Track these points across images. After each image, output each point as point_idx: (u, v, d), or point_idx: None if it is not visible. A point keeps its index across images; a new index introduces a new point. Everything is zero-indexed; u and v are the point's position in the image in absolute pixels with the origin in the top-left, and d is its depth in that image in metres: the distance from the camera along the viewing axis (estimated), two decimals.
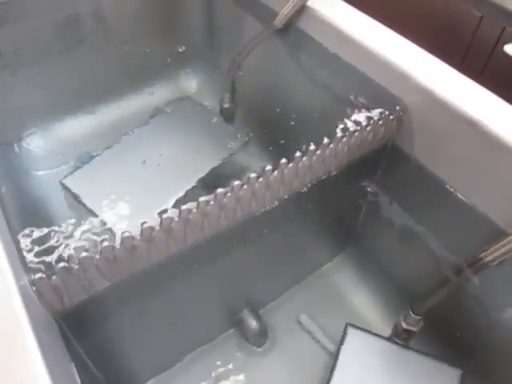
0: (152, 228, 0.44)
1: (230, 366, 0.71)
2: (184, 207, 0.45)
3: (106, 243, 0.42)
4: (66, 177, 0.70)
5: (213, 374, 0.70)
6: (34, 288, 0.41)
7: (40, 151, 0.80)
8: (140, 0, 0.88)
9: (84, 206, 0.70)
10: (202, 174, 0.74)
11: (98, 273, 0.44)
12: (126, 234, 0.43)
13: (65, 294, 0.43)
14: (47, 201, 0.75)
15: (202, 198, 0.46)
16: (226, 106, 0.85)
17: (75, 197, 0.70)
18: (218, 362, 0.71)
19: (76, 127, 0.85)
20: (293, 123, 0.80)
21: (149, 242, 0.45)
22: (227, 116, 0.85)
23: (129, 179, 0.72)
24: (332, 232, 0.78)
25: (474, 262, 0.53)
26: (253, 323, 0.72)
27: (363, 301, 0.79)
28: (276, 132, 0.81)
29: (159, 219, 0.44)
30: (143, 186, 0.71)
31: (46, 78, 0.81)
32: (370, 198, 0.72)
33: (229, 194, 0.48)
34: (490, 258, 0.51)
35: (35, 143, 0.81)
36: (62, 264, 0.41)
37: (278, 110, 0.82)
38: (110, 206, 0.68)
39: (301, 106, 0.77)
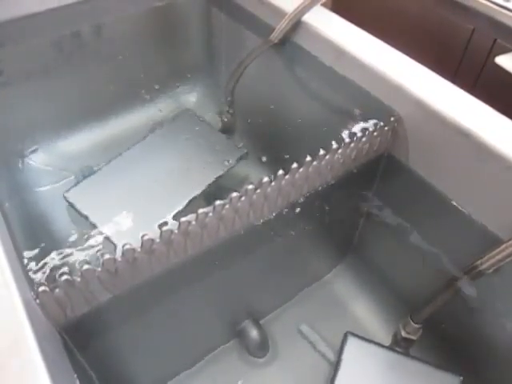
0: (152, 240, 0.45)
1: (232, 378, 0.72)
2: (183, 219, 0.46)
3: (107, 256, 0.43)
4: (68, 190, 0.71)
5: None
6: (38, 301, 0.42)
7: (43, 167, 0.81)
8: (140, 17, 0.89)
9: (87, 219, 0.71)
10: (202, 187, 0.75)
11: (100, 285, 0.45)
12: (127, 247, 0.44)
13: (68, 307, 0.44)
14: (50, 215, 0.76)
15: (200, 210, 0.47)
16: (225, 119, 0.87)
17: (78, 211, 0.71)
18: (220, 374, 0.72)
19: (78, 142, 0.86)
20: (291, 135, 0.81)
21: (149, 253, 0.46)
22: (226, 129, 0.87)
23: (130, 192, 0.73)
24: (331, 242, 0.79)
25: (470, 269, 0.54)
26: (254, 334, 0.73)
27: (363, 310, 0.80)
28: (275, 144, 0.82)
29: (159, 231, 0.45)
30: (144, 199, 0.72)
31: (48, 95, 0.83)
32: (368, 209, 0.73)
33: (227, 206, 0.49)
34: (485, 265, 0.52)
35: (38, 159, 0.83)
36: (64, 277, 0.42)
37: (277, 122, 0.83)
38: (112, 219, 0.69)
39: (298, 119, 0.78)
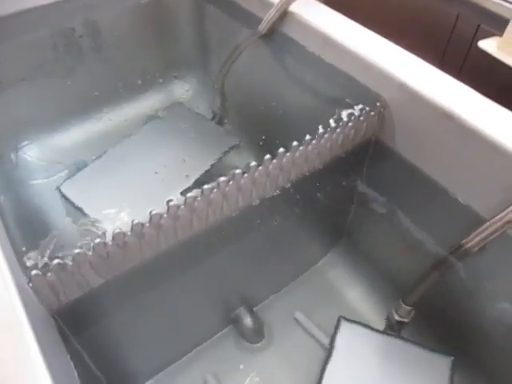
0: (142, 224, 0.46)
1: (228, 364, 0.73)
2: (172, 203, 0.47)
3: (97, 240, 0.44)
4: (62, 183, 0.72)
5: (211, 371, 0.71)
6: (31, 285, 0.43)
7: (37, 161, 0.82)
8: (130, 12, 0.90)
9: (81, 211, 0.72)
10: (195, 176, 0.76)
11: (92, 269, 0.46)
12: (117, 231, 0.45)
13: (61, 291, 0.45)
14: (45, 208, 0.77)
15: (189, 194, 0.48)
16: (217, 110, 0.88)
17: (72, 203, 0.72)
18: (217, 360, 0.73)
19: (71, 136, 0.87)
20: (282, 124, 0.82)
21: (139, 237, 0.47)
22: (218, 119, 0.88)
23: (124, 183, 0.74)
24: (323, 228, 0.80)
25: (456, 249, 0.55)
26: (248, 320, 0.74)
27: (357, 295, 0.81)
28: (266, 133, 0.83)
29: (149, 215, 0.46)
30: (138, 190, 0.73)
31: (41, 89, 0.84)
32: (357, 193, 0.74)
33: (215, 190, 0.50)
34: (470, 244, 0.53)
35: (32, 153, 0.83)
36: (56, 261, 0.43)
37: (268, 112, 0.84)
38: (106, 210, 0.70)
39: (288, 107, 0.79)
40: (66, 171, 0.80)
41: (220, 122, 0.89)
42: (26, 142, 0.83)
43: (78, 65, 0.86)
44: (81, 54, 0.86)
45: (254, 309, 0.77)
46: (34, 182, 0.78)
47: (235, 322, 0.75)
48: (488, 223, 0.50)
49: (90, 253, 0.44)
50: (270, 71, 0.80)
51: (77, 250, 0.43)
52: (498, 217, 0.50)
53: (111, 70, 0.89)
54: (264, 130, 0.85)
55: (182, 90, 0.97)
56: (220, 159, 0.80)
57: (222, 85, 0.85)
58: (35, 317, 0.42)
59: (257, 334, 0.75)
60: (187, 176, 0.76)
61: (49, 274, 0.43)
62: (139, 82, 0.94)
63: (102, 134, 0.87)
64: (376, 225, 0.75)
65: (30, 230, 0.70)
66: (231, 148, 0.82)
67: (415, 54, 0.64)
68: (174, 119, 0.86)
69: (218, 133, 0.85)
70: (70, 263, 0.43)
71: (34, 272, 0.42)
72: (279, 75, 0.79)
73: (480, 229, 0.51)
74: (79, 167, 0.78)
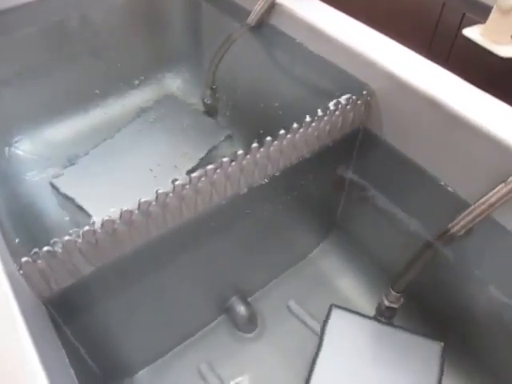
0: (131, 212, 0.47)
1: (222, 353, 0.73)
2: (160, 191, 0.48)
3: (86, 227, 0.45)
4: (55, 177, 0.73)
5: (206, 360, 0.72)
6: (21, 272, 0.43)
7: (30, 155, 0.83)
8: (122, 6, 0.91)
9: (74, 204, 0.73)
10: (187, 168, 0.77)
11: (82, 257, 0.47)
12: (106, 218, 0.45)
13: (51, 278, 0.46)
14: (38, 202, 0.78)
15: (177, 182, 0.49)
16: (208, 102, 0.89)
17: (65, 196, 0.73)
18: (210, 349, 0.74)
19: (64, 130, 0.87)
20: (273, 115, 0.83)
21: (129, 225, 0.48)
22: (210, 112, 0.89)
23: (115, 176, 0.75)
24: (315, 218, 0.81)
25: (442, 234, 0.56)
26: (241, 310, 0.74)
27: (349, 284, 0.82)
28: (257, 123, 0.84)
29: (137, 203, 0.47)
30: (130, 182, 0.74)
31: (34, 85, 0.84)
32: (348, 183, 0.75)
33: (203, 178, 0.50)
34: (455, 228, 0.54)
35: (24, 148, 0.84)
36: (46, 248, 0.43)
37: (259, 103, 0.85)
38: (100, 202, 0.71)
39: (278, 98, 0.80)
40: (59, 165, 0.81)
41: (212, 115, 0.90)
42: (18, 137, 0.84)
43: (70, 59, 0.87)
44: (72, 49, 0.86)
45: (249, 299, 0.78)
46: (27, 176, 0.79)
47: (228, 311, 0.76)
48: (472, 207, 0.51)
49: (80, 240, 0.45)
50: (260, 63, 0.81)
51: (66, 237, 0.44)
52: (481, 200, 0.50)
53: (103, 65, 0.90)
54: (256, 122, 0.86)
55: (174, 83, 0.97)
56: (212, 151, 0.81)
57: (213, 77, 0.86)
58: (26, 304, 0.43)
59: (250, 323, 0.76)
60: (180, 166, 0.77)
61: (39, 262, 0.44)
62: (131, 75, 0.94)
63: (94, 128, 0.88)
64: (366, 213, 0.76)
65: (22, 222, 0.71)
66: (223, 140, 0.83)
67: (403, 43, 0.65)
68: (165, 112, 0.87)
69: (210, 125, 0.85)
70: (60, 250, 0.44)
71: (24, 259, 0.43)
72: (269, 67, 0.80)
73: (465, 213, 0.52)
74: (72, 161, 0.79)
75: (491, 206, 0.50)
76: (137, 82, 0.95)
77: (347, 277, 0.83)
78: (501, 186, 0.49)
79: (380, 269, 0.79)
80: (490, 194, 0.49)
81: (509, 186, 0.48)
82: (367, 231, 0.79)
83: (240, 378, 0.71)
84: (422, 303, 0.73)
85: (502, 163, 0.50)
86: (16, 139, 0.84)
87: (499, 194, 0.49)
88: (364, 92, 0.62)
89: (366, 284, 0.81)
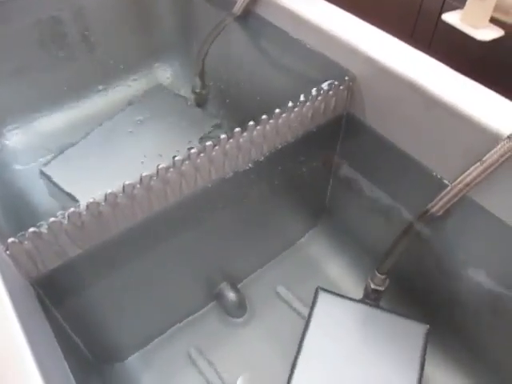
0: (115, 194, 0.48)
1: (212, 337, 0.75)
2: (144, 174, 0.49)
3: (72, 209, 0.46)
4: (45, 165, 0.74)
5: (195, 345, 0.73)
6: (8, 252, 0.44)
7: (21, 146, 0.84)
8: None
9: (65, 192, 0.74)
10: (176, 157, 0.78)
11: (68, 239, 0.48)
12: (91, 200, 0.47)
13: (38, 259, 0.47)
14: (29, 192, 0.79)
15: (161, 166, 0.50)
16: (197, 91, 0.90)
17: (55, 184, 0.74)
18: (200, 334, 0.75)
19: (55, 121, 0.88)
20: (262, 103, 0.84)
21: (114, 207, 0.49)
22: (199, 101, 0.90)
23: (106, 164, 0.76)
24: (302, 204, 0.82)
25: (422, 214, 0.57)
26: (231, 295, 0.76)
27: (337, 269, 0.83)
28: (245, 112, 0.85)
29: (122, 186, 0.48)
30: (120, 170, 0.75)
31: (25, 76, 0.85)
32: (334, 169, 0.76)
33: (186, 162, 0.52)
34: (435, 208, 0.55)
35: (16, 138, 0.85)
36: (32, 229, 0.44)
37: (247, 91, 0.86)
38: (90, 190, 0.72)
39: (265, 86, 0.81)
40: (51, 155, 0.82)
41: (201, 104, 0.91)
42: (9, 128, 0.85)
43: (61, 51, 0.88)
44: (64, 40, 0.87)
45: (238, 285, 0.79)
46: (18, 166, 0.80)
47: (218, 297, 0.77)
48: (449, 187, 0.53)
49: (66, 222, 0.46)
50: (247, 52, 0.82)
51: (52, 219, 0.45)
52: (457, 180, 0.52)
53: (93, 55, 0.91)
54: (244, 110, 0.87)
55: (164, 73, 0.98)
56: (201, 140, 0.82)
57: (202, 67, 0.87)
58: (13, 284, 0.44)
59: (239, 309, 0.77)
60: (167, 156, 0.78)
61: (25, 243, 0.45)
62: (121, 66, 0.95)
63: (85, 118, 0.88)
64: (353, 199, 0.77)
65: (13, 212, 0.72)
66: (212, 128, 0.84)
67: (386, 30, 0.66)
68: (155, 102, 0.88)
69: (199, 114, 0.87)
70: (46, 231, 0.45)
71: (10, 240, 0.44)
72: (255, 56, 0.81)
73: (443, 193, 0.54)
74: (63, 151, 0.79)
75: (467, 185, 0.51)
76: (127, 72, 0.96)
77: (336, 262, 0.84)
78: (476, 165, 0.50)
79: (367, 253, 0.80)
80: (466, 173, 0.51)
81: (484, 165, 0.49)
82: (354, 216, 0.80)
83: (229, 362, 0.72)
84: (408, 286, 0.74)
85: (478, 143, 0.51)
86: (7, 130, 0.85)
87: (475, 174, 0.50)
88: (346, 78, 0.63)
89: (353, 269, 0.83)
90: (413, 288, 0.74)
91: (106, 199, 0.48)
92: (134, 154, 0.78)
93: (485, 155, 0.50)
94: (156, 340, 0.74)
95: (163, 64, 1.00)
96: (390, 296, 0.73)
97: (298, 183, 0.74)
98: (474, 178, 0.50)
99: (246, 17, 0.78)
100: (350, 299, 0.73)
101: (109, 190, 0.47)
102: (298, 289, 0.80)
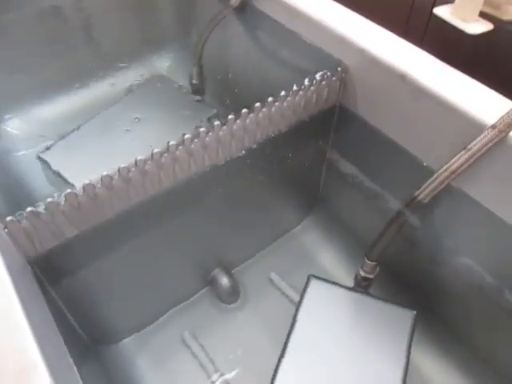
0: (111, 177, 0.50)
1: (205, 322, 0.77)
2: (139, 158, 0.50)
3: (68, 190, 0.47)
4: (43, 152, 0.75)
5: (189, 329, 0.75)
6: (7, 231, 0.46)
7: (20, 133, 0.85)
8: None
9: (63, 178, 0.75)
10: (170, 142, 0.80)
11: (65, 219, 0.49)
12: (87, 182, 0.48)
13: (35, 238, 0.49)
14: (28, 178, 0.80)
15: (155, 150, 0.51)
16: (195, 81, 0.92)
17: (54, 171, 0.75)
18: (194, 319, 0.77)
19: (54, 109, 0.90)
20: (258, 93, 0.86)
21: (109, 189, 0.50)
22: (196, 91, 0.91)
23: (105, 150, 0.77)
24: (296, 194, 0.84)
25: (409, 202, 0.59)
26: (224, 281, 0.77)
27: (330, 258, 0.85)
28: (242, 102, 0.86)
29: (117, 169, 0.50)
30: (119, 156, 0.76)
31: (24, 64, 0.86)
32: (327, 159, 0.78)
33: (180, 147, 0.53)
34: (421, 196, 0.57)
35: (15, 126, 0.86)
36: (29, 208, 0.46)
37: (243, 82, 0.87)
38: (86, 176, 0.73)
39: (261, 77, 0.83)
40: (50, 142, 0.83)
41: (198, 94, 0.92)
42: (8, 116, 0.86)
43: (60, 39, 0.89)
44: (63, 29, 0.89)
45: (232, 271, 0.81)
46: (18, 153, 0.81)
47: (212, 282, 0.79)
48: (436, 174, 0.54)
49: (62, 202, 0.48)
50: (244, 43, 0.83)
51: (49, 199, 0.47)
52: (443, 168, 0.53)
53: (93, 45, 0.92)
54: (240, 98, 0.88)
55: (163, 63, 1.00)
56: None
57: (200, 57, 0.88)
58: (12, 262, 0.45)
59: (232, 294, 0.79)
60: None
61: (23, 222, 0.46)
62: (121, 55, 0.97)
63: (85, 106, 0.90)
64: (345, 188, 0.78)
65: (12, 198, 0.73)
66: (209, 118, 0.85)
67: (379, 23, 0.67)
68: (153, 91, 0.89)
69: (197, 104, 0.88)
70: (43, 211, 0.47)
71: (9, 218, 0.45)
72: (252, 47, 0.82)
73: (429, 180, 0.55)
74: (62, 138, 0.81)
75: (453, 172, 0.53)
76: (126, 61, 0.97)
77: (329, 251, 0.86)
78: (462, 152, 0.51)
79: (359, 242, 0.82)
80: (452, 161, 0.52)
81: (469, 153, 0.51)
82: (347, 205, 0.82)
83: (222, 346, 0.74)
84: (397, 274, 0.76)
85: (465, 132, 0.53)
86: (6, 117, 0.86)
87: (460, 161, 0.52)
88: (339, 69, 0.64)
89: (345, 257, 0.84)
90: (402, 275, 0.76)
91: (101, 181, 0.49)
92: (131, 142, 0.80)
93: (470, 143, 0.51)
94: (151, 323, 0.75)
95: (162, 54, 1.01)
96: (380, 283, 0.75)
97: (291, 172, 0.75)
98: (460, 166, 0.52)
99: (243, 9, 0.79)
100: (341, 286, 0.75)
101: (104, 173, 0.49)
102: (291, 276, 0.82)
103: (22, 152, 0.82)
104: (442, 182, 0.54)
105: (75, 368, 0.44)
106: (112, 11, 0.93)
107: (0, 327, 0.38)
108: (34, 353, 0.35)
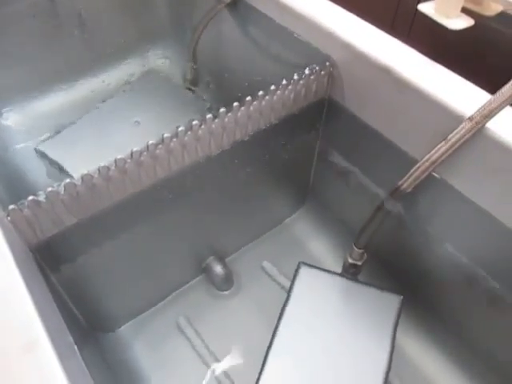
0: (108, 168, 0.52)
1: (200, 308, 0.79)
2: (135, 149, 0.53)
3: (67, 180, 0.50)
4: (40, 144, 0.78)
5: (184, 315, 0.78)
6: (9, 218, 0.49)
7: (18, 126, 0.87)
8: None
9: (62, 170, 0.78)
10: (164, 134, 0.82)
11: (65, 208, 0.52)
12: (85, 173, 0.51)
13: (37, 226, 0.51)
14: (27, 171, 0.83)
15: (150, 142, 0.54)
16: (189, 76, 0.94)
17: (52, 163, 0.78)
18: (189, 305, 0.80)
19: (51, 103, 0.92)
20: (247, 87, 0.88)
21: (107, 180, 0.53)
22: (191, 86, 0.93)
23: (101, 144, 0.80)
24: (288, 185, 0.86)
25: (393, 191, 0.61)
26: (218, 269, 0.80)
27: (321, 247, 0.88)
28: (236, 96, 0.89)
29: (114, 160, 0.52)
30: (115, 148, 0.79)
31: (21, 58, 0.88)
32: (317, 151, 0.81)
33: (174, 139, 0.56)
34: (404, 185, 0.59)
35: (13, 119, 0.89)
36: (31, 197, 0.49)
37: (236, 77, 0.90)
38: (84, 168, 0.76)
39: (254, 72, 0.85)
40: (47, 135, 0.85)
41: (193, 89, 0.94)
42: (6, 109, 0.88)
43: (56, 34, 0.91)
44: (59, 24, 0.90)
45: (226, 260, 0.84)
46: (15, 146, 0.83)
47: (206, 271, 0.82)
48: (418, 165, 0.57)
49: (62, 192, 0.50)
50: (236, 39, 0.86)
51: (49, 189, 0.49)
52: (424, 158, 0.56)
53: (89, 39, 0.94)
54: (233, 92, 0.91)
55: (158, 58, 1.02)
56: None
57: (194, 53, 0.90)
58: (16, 249, 0.48)
59: (226, 282, 0.81)
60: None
61: (25, 210, 0.49)
62: (116, 50, 0.99)
63: (81, 100, 0.92)
64: (334, 179, 0.81)
65: (11, 190, 0.75)
66: (204, 111, 0.87)
67: (368, 19, 0.70)
68: (148, 86, 0.91)
69: (191, 99, 0.90)
70: (44, 200, 0.49)
71: (11, 207, 0.48)
72: (244, 42, 0.84)
73: (411, 170, 0.58)
74: (59, 131, 0.83)
75: (433, 162, 0.55)
76: (121, 56, 0.99)
77: (319, 240, 0.89)
78: (441, 143, 0.54)
79: (349, 231, 0.84)
80: (432, 151, 0.55)
81: (448, 144, 0.53)
82: (336, 196, 0.85)
83: (216, 331, 0.77)
84: (384, 261, 0.79)
85: (445, 124, 0.55)
86: (4, 110, 0.88)
87: (440, 152, 0.54)
88: (327, 63, 0.67)
89: (336, 246, 0.87)
90: (389, 262, 0.79)
91: (99, 172, 0.52)
92: (126, 135, 0.82)
93: (449, 135, 0.54)
94: (147, 309, 0.78)
95: (157, 49, 1.03)
96: (369, 270, 0.78)
97: (282, 164, 0.78)
98: (440, 156, 0.54)
99: (236, 4, 0.82)
100: (329, 272, 0.78)
101: (102, 164, 0.51)
102: (283, 264, 0.85)
103: (20, 145, 0.84)
104: (424, 171, 0.57)
105: (76, 347, 0.47)
106: (107, 6, 0.95)
107: (5, 304, 0.40)
108: (39, 328, 0.38)
